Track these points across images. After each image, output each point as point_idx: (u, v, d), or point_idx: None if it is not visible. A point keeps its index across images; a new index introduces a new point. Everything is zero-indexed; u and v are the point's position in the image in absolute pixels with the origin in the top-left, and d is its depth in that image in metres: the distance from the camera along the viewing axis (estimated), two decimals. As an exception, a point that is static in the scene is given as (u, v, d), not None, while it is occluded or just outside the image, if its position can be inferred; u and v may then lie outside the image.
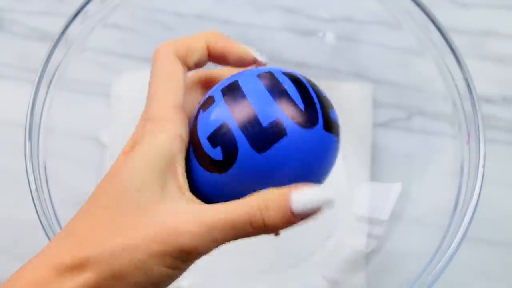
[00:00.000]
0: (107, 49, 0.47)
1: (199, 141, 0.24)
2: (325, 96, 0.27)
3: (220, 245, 0.24)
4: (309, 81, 0.27)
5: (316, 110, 0.25)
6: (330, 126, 0.26)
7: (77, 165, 0.44)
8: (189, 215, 0.23)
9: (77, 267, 0.23)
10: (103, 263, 0.23)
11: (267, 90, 0.24)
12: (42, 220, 0.35)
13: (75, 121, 0.43)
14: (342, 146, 0.47)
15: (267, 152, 0.23)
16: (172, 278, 0.24)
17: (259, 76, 0.25)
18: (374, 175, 0.46)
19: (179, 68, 0.27)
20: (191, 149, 0.25)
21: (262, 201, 0.23)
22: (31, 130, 0.37)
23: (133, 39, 0.48)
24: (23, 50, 0.50)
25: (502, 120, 0.47)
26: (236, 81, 0.25)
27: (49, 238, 0.35)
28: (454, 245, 0.35)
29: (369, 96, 0.47)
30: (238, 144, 0.23)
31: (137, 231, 0.23)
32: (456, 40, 0.39)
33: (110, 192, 0.24)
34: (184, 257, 0.23)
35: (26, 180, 0.36)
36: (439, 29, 0.39)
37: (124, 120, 0.46)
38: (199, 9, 0.49)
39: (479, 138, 0.37)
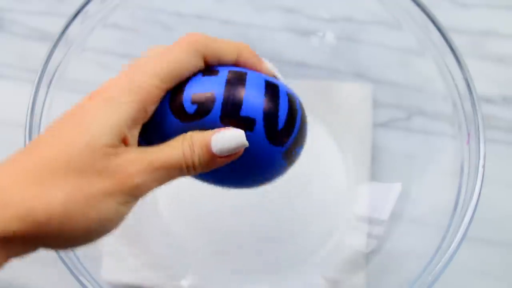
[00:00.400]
0: (107, 49, 0.47)
1: (182, 92, 0.27)
2: (304, 135, 0.29)
3: (163, 184, 0.26)
4: (303, 116, 0.29)
5: (288, 139, 0.28)
6: (288, 157, 0.29)
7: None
8: (138, 158, 0.25)
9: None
10: (55, 202, 0.23)
11: (264, 95, 0.27)
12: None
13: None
14: (342, 146, 0.47)
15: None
16: (119, 215, 0.25)
17: (266, 82, 0.27)
18: (374, 175, 0.46)
19: (193, 61, 0.27)
20: (167, 100, 0.27)
21: (190, 143, 0.26)
22: (31, 130, 0.37)
23: (133, 39, 0.48)
24: (23, 50, 0.50)
25: (502, 120, 0.47)
26: (246, 73, 0.27)
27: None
28: (454, 245, 0.35)
29: (369, 96, 0.47)
30: (212, 112, 0.26)
31: (92, 171, 0.24)
32: (456, 40, 0.39)
33: (69, 131, 0.25)
34: (132, 194, 0.25)
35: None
36: (439, 29, 0.39)
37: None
38: (199, 9, 0.49)
39: (479, 138, 0.37)
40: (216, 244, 0.44)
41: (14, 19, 0.50)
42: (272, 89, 0.27)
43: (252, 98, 0.26)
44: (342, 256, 0.44)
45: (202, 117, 0.26)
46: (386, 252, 0.43)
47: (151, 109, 0.26)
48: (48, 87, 0.39)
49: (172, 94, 0.27)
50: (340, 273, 0.43)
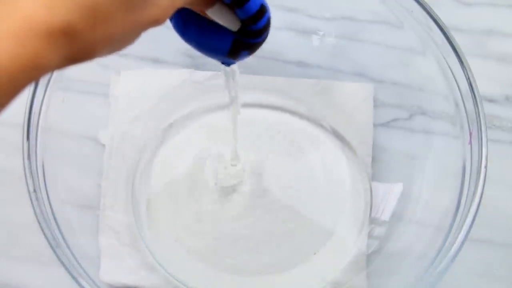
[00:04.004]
0: (106, 48, 0.47)
1: None
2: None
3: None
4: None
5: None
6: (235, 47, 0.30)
7: (76, 165, 0.43)
8: (170, 2, 0.24)
9: (68, 34, 0.20)
10: (110, 37, 0.22)
11: None
12: (40, 221, 0.35)
13: (73, 120, 0.43)
14: (343, 146, 0.47)
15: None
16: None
17: None
18: (375, 175, 0.46)
19: None
20: None
21: None
22: (29, 130, 0.37)
23: (132, 38, 0.47)
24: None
25: (505, 120, 0.47)
26: None
27: (47, 239, 0.35)
28: (456, 246, 0.35)
29: (370, 96, 0.47)
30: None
31: (144, 15, 0.23)
32: (458, 39, 0.38)
33: None
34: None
35: (24, 180, 0.35)
36: (441, 28, 0.39)
37: (123, 119, 0.46)
38: (199, 8, 0.49)
39: (481, 138, 0.37)
40: (216, 244, 0.44)
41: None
42: None
43: None
44: (343, 256, 0.44)
45: None
46: (387, 252, 0.43)
47: None
48: (46, 87, 0.39)
49: None
50: (340, 274, 0.43)
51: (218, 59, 0.31)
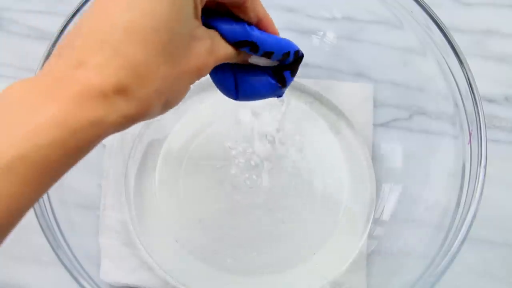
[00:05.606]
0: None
1: None
2: None
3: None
4: None
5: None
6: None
7: (76, 166, 0.43)
8: (208, 50, 0.27)
9: (120, 92, 0.23)
10: (161, 90, 0.24)
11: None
12: (40, 221, 0.35)
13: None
14: (343, 145, 0.47)
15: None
16: (185, 93, 0.28)
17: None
18: (375, 175, 0.45)
19: None
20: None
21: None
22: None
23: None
24: (22, 49, 0.49)
25: (504, 120, 0.47)
26: None
27: (47, 239, 0.35)
28: (456, 246, 0.35)
29: (370, 96, 0.47)
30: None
31: (187, 63, 0.26)
32: (458, 40, 0.38)
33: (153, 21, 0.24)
34: (198, 78, 0.27)
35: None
36: (440, 28, 0.39)
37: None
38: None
39: (480, 138, 0.37)
40: (216, 244, 0.44)
41: (12, 18, 0.50)
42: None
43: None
44: (342, 256, 0.44)
45: None
46: (386, 252, 0.43)
47: None
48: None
49: None
50: (340, 274, 0.43)
51: (273, 95, 0.34)
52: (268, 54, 0.30)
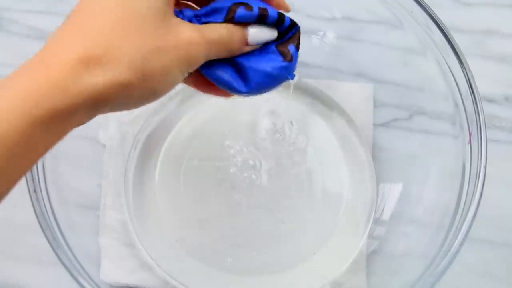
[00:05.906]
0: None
1: None
2: None
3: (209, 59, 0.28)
4: None
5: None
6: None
7: (76, 165, 0.43)
8: (195, 32, 0.27)
9: (98, 60, 0.24)
10: (135, 61, 0.24)
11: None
12: (40, 221, 0.35)
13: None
14: (343, 145, 0.47)
15: None
16: (174, 85, 0.27)
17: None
18: (375, 175, 0.45)
19: None
20: None
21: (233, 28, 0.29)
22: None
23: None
24: (22, 49, 0.49)
25: (504, 120, 0.47)
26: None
27: (47, 239, 0.35)
28: (456, 245, 0.35)
29: (370, 96, 0.47)
30: None
31: (164, 40, 0.25)
32: (458, 40, 0.38)
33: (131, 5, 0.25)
34: (189, 65, 0.27)
35: (25, 181, 0.35)
36: (440, 28, 0.39)
37: (123, 119, 0.46)
38: (199, 8, 0.49)
39: (480, 138, 0.37)
40: (216, 244, 0.44)
41: (12, 18, 0.50)
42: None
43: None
44: (343, 256, 0.44)
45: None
46: (387, 252, 0.43)
47: None
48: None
49: None
50: (340, 274, 0.43)
51: (284, 76, 0.33)
52: (263, 17, 0.30)
